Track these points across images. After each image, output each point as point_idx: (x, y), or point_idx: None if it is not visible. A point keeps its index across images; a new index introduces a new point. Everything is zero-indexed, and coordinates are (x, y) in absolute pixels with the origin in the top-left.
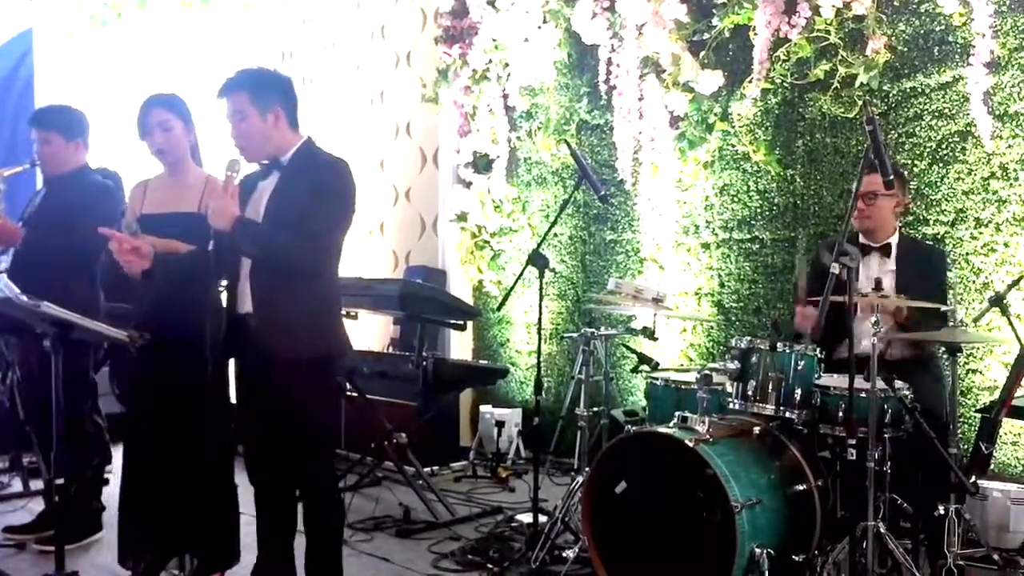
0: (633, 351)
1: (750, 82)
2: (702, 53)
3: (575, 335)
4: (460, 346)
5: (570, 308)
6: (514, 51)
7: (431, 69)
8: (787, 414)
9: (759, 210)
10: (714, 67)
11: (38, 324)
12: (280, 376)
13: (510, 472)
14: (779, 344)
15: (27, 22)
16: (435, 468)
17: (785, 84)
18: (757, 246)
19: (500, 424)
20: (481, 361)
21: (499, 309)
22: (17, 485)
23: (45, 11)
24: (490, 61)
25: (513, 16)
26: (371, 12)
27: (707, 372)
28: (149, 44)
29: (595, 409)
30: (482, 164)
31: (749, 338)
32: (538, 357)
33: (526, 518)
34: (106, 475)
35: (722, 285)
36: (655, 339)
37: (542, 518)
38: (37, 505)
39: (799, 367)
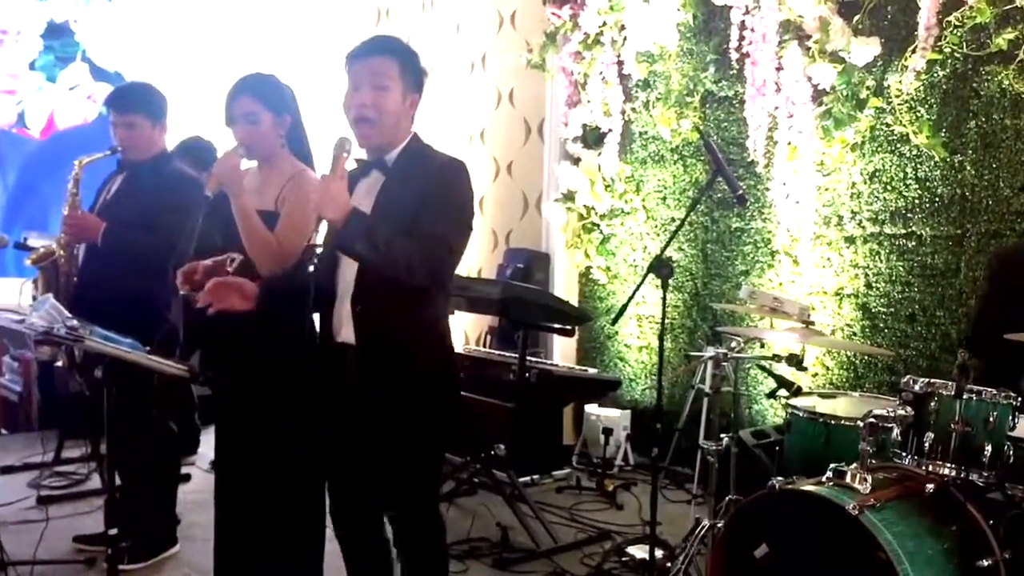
0: (771, 373)
1: (913, 51)
2: (856, 17)
3: (706, 355)
4: (563, 339)
5: (688, 302)
6: (632, 12)
7: (538, 32)
8: (972, 475)
9: (918, 201)
10: (869, 33)
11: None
12: (390, 411)
13: (618, 484)
14: (966, 390)
15: None
16: (535, 477)
17: (956, 55)
18: (914, 243)
19: (608, 431)
20: (590, 370)
21: (614, 323)
22: (96, 481)
23: None
24: (604, 24)
25: None
26: None
27: (873, 420)
28: (241, 4)
29: (723, 436)
30: (592, 138)
31: (927, 380)
32: (659, 389)
33: (638, 552)
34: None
35: (869, 286)
36: (804, 369)
37: (658, 551)
38: None
39: (991, 418)
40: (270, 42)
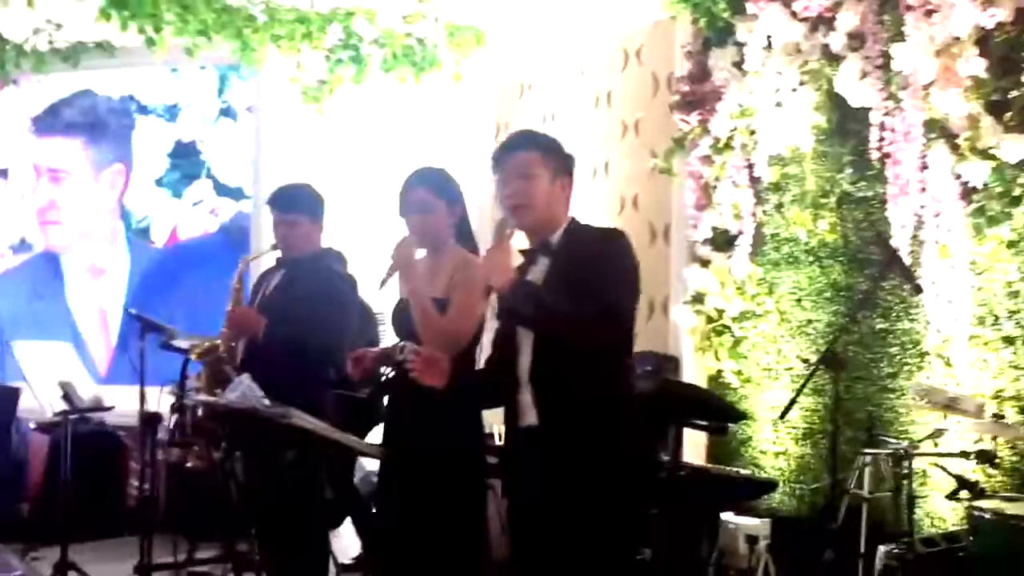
0: (951, 473)
1: None
2: (1007, 115)
3: (885, 452)
4: (691, 442)
5: (828, 405)
6: (763, 117)
7: (662, 137)
8: None
9: None
10: (1020, 131)
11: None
12: (574, 498)
13: None
14: None
15: (248, 99)
16: None
17: None
18: None
19: (753, 539)
20: (742, 471)
21: (782, 418)
22: None
23: (265, 87)
24: (735, 128)
25: (763, 79)
26: (596, 79)
27: None
28: (362, 120)
29: (897, 545)
30: (722, 240)
31: None
32: (832, 498)
33: None
34: None
35: None
36: (996, 465)
37: None
38: None
39: None
40: (389, 160)
